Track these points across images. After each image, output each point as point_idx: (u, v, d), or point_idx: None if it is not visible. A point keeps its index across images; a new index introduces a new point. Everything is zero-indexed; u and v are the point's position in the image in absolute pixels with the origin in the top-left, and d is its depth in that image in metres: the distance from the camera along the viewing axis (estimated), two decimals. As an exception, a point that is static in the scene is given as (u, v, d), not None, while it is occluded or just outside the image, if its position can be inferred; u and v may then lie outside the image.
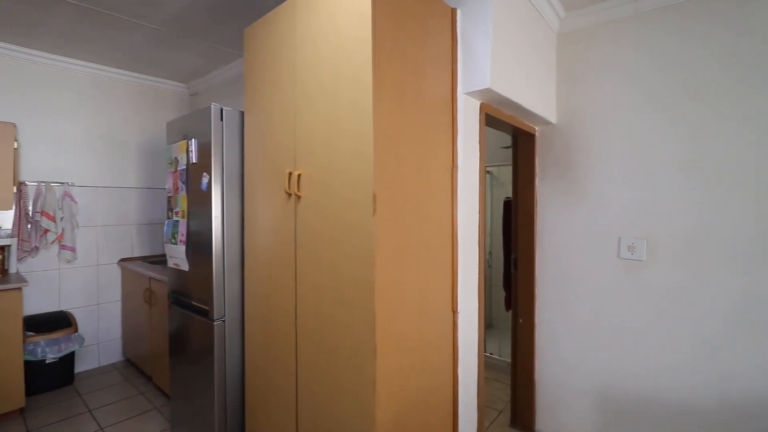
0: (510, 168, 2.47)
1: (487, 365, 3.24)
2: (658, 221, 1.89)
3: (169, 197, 2.08)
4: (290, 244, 1.54)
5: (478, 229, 1.75)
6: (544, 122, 2.19)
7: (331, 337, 1.38)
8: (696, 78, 1.79)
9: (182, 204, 1.96)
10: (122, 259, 3.30)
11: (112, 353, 3.28)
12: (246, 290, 1.80)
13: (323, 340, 1.41)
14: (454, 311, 1.61)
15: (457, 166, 1.62)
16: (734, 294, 1.71)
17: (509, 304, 2.57)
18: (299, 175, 1.49)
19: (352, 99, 1.29)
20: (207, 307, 1.80)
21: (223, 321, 1.79)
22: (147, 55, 2.94)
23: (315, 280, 1.44)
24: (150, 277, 2.72)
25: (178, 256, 1.98)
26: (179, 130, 2.00)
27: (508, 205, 2.86)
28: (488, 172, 3.73)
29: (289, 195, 1.54)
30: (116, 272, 3.29)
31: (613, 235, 2.01)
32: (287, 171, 1.52)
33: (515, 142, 2.39)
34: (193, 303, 1.91)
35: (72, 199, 3.01)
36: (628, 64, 1.97)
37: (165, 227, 2.09)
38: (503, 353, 3.23)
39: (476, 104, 1.73)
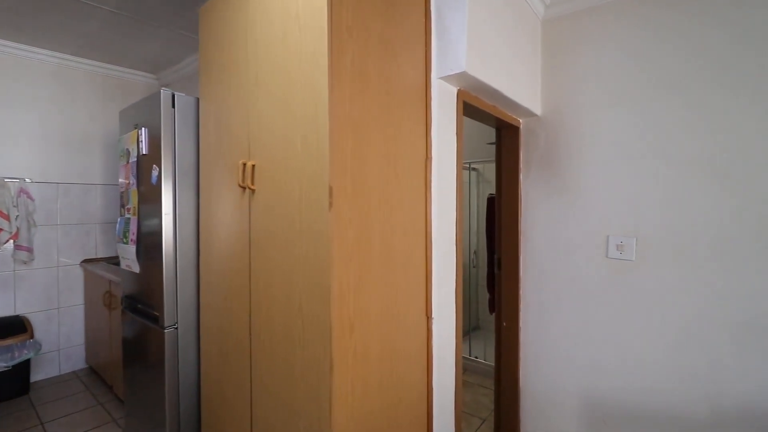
0: (494, 163, 2.33)
1: (472, 370, 3.11)
2: (649, 219, 1.76)
3: (122, 193, 1.90)
4: (244, 244, 1.38)
5: (455, 227, 1.61)
6: (529, 114, 2.06)
7: (284, 349, 1.22)
8: (690, 67, 1.66)
9: (133, 200, 1.78)
10: (85, 260, 3.10)
11: (75, 360, 3.08)
12: (201, 295, 1.64)
13: (276, 353, 1.25)
14: (429, 317, 1.47)
15: (431, 158, 1.47)
16: (727, 296, 1.59)
17: (493, 306, 2.43)
18: (253, 166, 1.33)
19: (306, 79, 1.13)
20: (157, 313, 1.63)
21: (176, 328, 1.62)
22: (108, 42, 2.74)
23: (268, 283, 1.28)
24: (110, 280, 2.54)
25: (129, 257, 1.80)
26: (131, 119, 1.83)
27: (491, 202, 2.73)
28: (473, 168, 3.60)
29: (244, 189, 1.38)
30: (78, 274, 3.09)
31: (601, 233, 1.89)
32: (241, 162, 1.36)
33: (499, 135, 2.25)
34: (145, 308, 1.74)
35: (29, 197, 2.80)
36: (615, 51, 1.84)
37: (117, 225, 1.91)
38: (489, 357, 3.10)
39: (453, 91, 1.59)
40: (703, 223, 1.64)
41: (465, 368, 3.12)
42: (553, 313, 2.05)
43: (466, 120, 3.33)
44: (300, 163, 1.16)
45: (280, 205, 1.23)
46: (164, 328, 1.60)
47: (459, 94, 1.61)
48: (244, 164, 1.35)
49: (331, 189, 1.07)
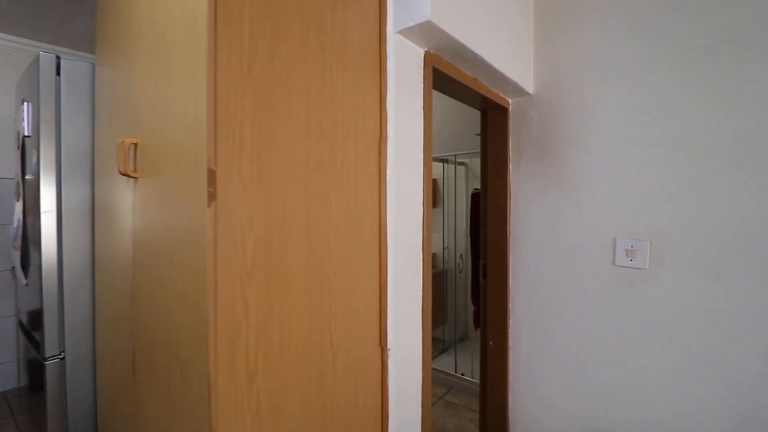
0: (479, 152, 1.98)
1: (458, 388, 2.76)
2: (666, 217, 1.41)
3: (15, 185, 1.54)
4: (127, 254, 1.03)
5: (422, 228, 1.25)
6: (519, 92, 1.70)
7: (167, 408, 0.86)
8: (719, 27, 1.31)
9: (21, 194, 1.42)
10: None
11: (6, 378, 2.69)
12: (96, 315, 1.28)
13: (161, 412, 0.89)
14: (383, 347, 1.11)
15: (386, 138, 1.12)
16: (762, 314, 1.25)
17: (479, 321, 2.08)
18: (135, 146, 0.97)
19: (187, 11, 0.77)
20: (39, 339, 1.27)
21: (62, 358, 1.26)
22: (32, 15, 2.37)
23: (149, 311, 0.92)
24: (30, 290, 2.17)
25: (17, 266, 1.44)
26: (22, 93, 1.46)
27: (476, 198, 2.38)
28: (461, 162, 3.25)
29: (127, 177, 1.02)
30: (10, 281, 2.71)
31: (607, 235, 1.54)
32: (119, 140, 1.00)
33: (484, 118, 1.90)
34: (30, 331, 1.38)
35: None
36: (627, 10, 1.49)
37: (11, 226, 1.55)
38: (477, 373, 2.75)
39: (418, 53, 1.23)
40: (734, 223, 1.29)
41: (449, 387, 2.78)
42: (549, 331, 1.70)
43: (450, 105, 2.90)
44: (179, 137, 0.80)
45: (158, 199, 0.87)
46: (45, 359, 1.23)
47: (427, 57, 1.25)
48: (122, 142, 0.98)
49: (212, 174, 0.71)
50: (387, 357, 1.11)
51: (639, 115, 1.46)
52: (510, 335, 1.82)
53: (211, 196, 0.71)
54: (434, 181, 3.34)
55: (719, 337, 1.32)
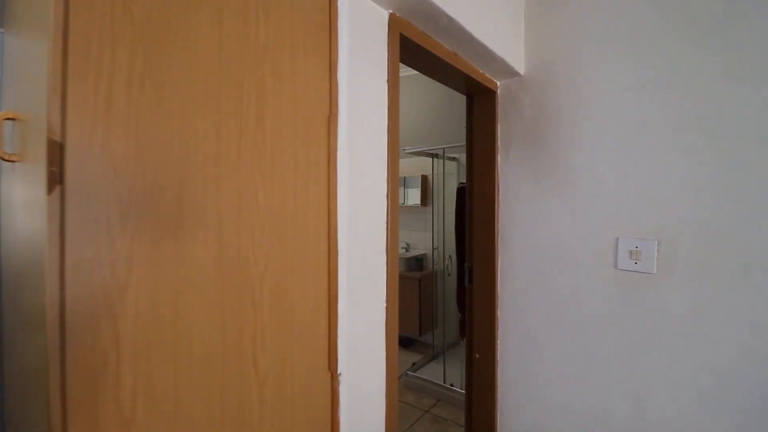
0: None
1: (445, 401, 2.56)
2: (677, 213, 1.22)
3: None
4: (11, 259, 0.83)
5: (385, 227, 1.05)
6: (508, 72, 1.51)
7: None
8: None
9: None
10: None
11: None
12: (4, 332, 1.08)
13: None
14: (333, 372, 0.91)
15: (336, 115, 0.92)
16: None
17: (464, 329, 1.88)
18: (12, 122, 0.78)
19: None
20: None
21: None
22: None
23: (21, 331, 0.73)
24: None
25: None
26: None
27: (462, 193, 2.18)
28: (451, 158, 3.05)
29: (5, 161, 0.82)
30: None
31: (609, 234, 1.34)
32: (-4, 115, 0.81)
33: (470, 103, 1.70)
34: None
35: None
36: (629, -26, 1.30)
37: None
38: (467, 384, 2.55)
39: (381, 15, 1.03)
40: (757, 219, 1.09)
41: (438, 398, 2.57)
42: (542, 344, 1.50)
43: (440, 95, 2.70)
44: (34, 103, 0.60)
45: (21, 187, 0.67)
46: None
47: (392, 21, 1.05)
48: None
49: (56, 147, 0.51)
50: (338, 384, 0.91)
51: (647, 97, 1.26)
52: (498, 347, 1.62)
53: (54, 179, 0.51)
54: (424, 177, 3.15)
55: (737, 352, 1.12)
